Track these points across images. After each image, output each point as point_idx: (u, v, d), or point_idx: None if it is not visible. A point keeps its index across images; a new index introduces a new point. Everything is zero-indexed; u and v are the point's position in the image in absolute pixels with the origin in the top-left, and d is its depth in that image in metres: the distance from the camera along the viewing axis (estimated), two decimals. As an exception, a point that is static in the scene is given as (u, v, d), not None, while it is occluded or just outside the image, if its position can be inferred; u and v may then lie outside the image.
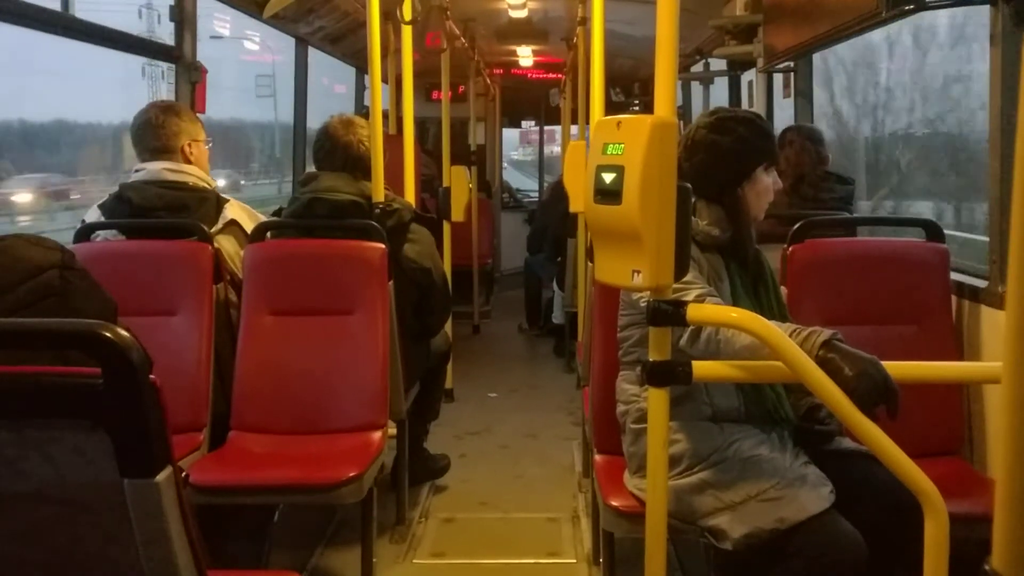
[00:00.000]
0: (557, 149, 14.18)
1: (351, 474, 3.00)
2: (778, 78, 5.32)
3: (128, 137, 3.55)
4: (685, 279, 2.17)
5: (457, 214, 6.11)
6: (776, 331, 1.99)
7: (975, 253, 4.18)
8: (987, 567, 1.24)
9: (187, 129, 3.50)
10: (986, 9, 2.87)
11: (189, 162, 3.48)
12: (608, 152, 2.05)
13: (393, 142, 4.51)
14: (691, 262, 2.27)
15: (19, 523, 1.44)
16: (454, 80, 7.23)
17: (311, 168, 3.87)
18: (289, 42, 6.06)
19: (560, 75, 9.53)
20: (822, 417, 2.62)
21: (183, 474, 1.48)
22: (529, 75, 10.72)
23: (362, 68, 7.48)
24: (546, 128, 12.01)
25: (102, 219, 3.43)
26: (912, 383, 2.15)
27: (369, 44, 3.89)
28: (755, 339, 2.04)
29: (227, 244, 3.53)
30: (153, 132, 3.44)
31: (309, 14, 5.64)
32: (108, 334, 1.31)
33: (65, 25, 3.39)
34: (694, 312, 2.02)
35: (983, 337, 3.07)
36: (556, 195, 7.56)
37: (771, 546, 2.33)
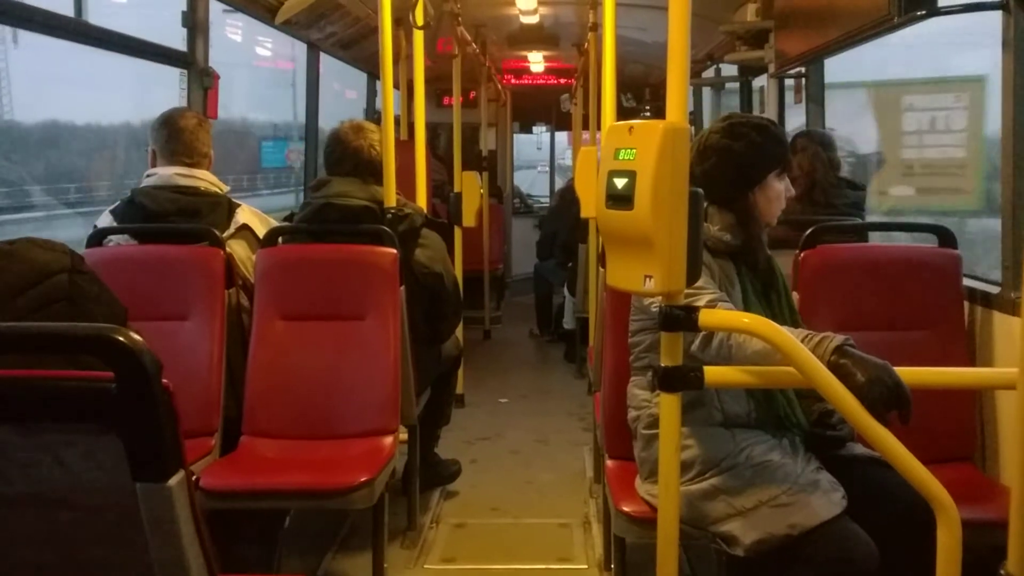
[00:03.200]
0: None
1: (362, 479, 3.00)
2: (789, 84, 5.32)
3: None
4: (697, 284, 2.16)
5: (468, 219, 6.12)
6: (788, 336, 1.98)
7: None
8: (1002, 572, 1.24)
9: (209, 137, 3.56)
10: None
11: (208, 168, 3.51)
12: (620, 157, 2.05)
13: (404, 147, 4.52)
14: (703, 267, 2.26)
15: (31, 527, 1.45)
16: (465, 86, 7.24)
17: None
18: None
19: (571, 80, 9.54)
20: (834, 422, 2.62)
21: (194, 478, 1.48)
22: (540, 81, 10.72)
23: (374, 73, 7.49)
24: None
25: (114, 224, 3.44)
26: (924, 389, 2.14)
27: (381, 49, 3.90)
28: (767, 344, 2.03)
29: (239, 249, 3.54)
30: (193, 139, 3.46)
31: (321, 20, 5.65)
32: (121, 338, 1.31)
33: (79, 32, 3.41)
34: (706, 317, 2.01)
35: (995, 343, 3.06)
36: (565, 201, 7.57)
37: (783, 552, 2.32)
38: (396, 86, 6.27)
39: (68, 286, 1.66)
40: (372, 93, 7.92)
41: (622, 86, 8.92)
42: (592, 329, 5.20)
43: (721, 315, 2.15)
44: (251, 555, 3.19)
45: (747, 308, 2.54)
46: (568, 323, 7.56)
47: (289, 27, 5.30)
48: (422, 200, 4.34)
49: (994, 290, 3.07)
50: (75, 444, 1.36)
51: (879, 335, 2.98)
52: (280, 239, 3.59)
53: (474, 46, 7.26)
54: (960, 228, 4.10)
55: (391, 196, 3.65)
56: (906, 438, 1.93)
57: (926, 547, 1.95)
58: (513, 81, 10.78)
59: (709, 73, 7.51)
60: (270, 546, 3.29)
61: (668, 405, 2.04)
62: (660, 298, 2.04)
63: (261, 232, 3.59)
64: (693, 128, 6.75)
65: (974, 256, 3.94)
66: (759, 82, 6.08)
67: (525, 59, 9.63)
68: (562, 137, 12.00)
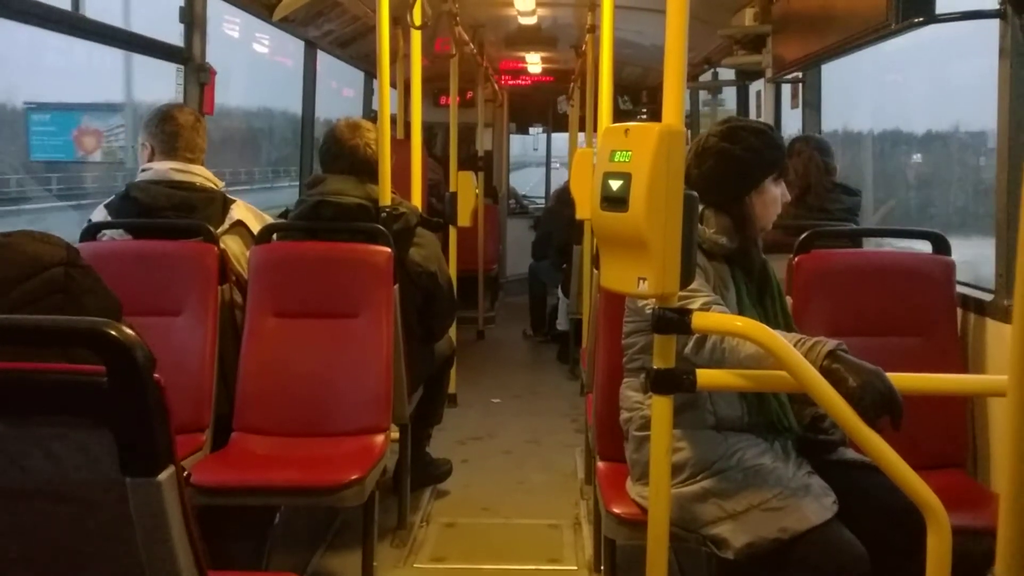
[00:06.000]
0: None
1: (353, 477, 3.00)
2: (786, 88, 5.33)
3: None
4: (691, 287, 2.17)
5: (463, 219, 6.12)
6: (781, 340, 1.98)
7: None
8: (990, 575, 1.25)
9: None
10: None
11: (203, 163, 3.51)
12: (615, 159, 2.05)
13: (400, 146, 4.52)
14: (697, 270, 2.27)
15: (20, 520, 1.44)
16: (462, 86, 7.24)
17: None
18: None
19: (568, 82, 9.55)
20: (825, 427, 2.62)
21: (184, 474, 1.48)
22: (537, 82, 10.73)
23: (371, 72, 7.49)
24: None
25: (108, 219, 3.44)
26: (916, 395, 2.15)
27: (378, 48, 3.90)
28: (760, 348, 2.04)
29: (233, 245, 3.53)
30: (193, 135, 3.47)
31: (319, 17, 5.64)
32: (113, 332, 1.31)
33: (74, 24, 3.40)
34: (699, 320, 2.01)
35: (988, 350, 3.06)
36: (561, 202, 7.59)
37: (773, 556, 2.32)
38: (393, 85, 6.28)
39: (64, 279, 1.66)
40: (369, 92, 7.92)
41: (619, 89, 8.95)
42: (585, 330, 5.21)
43: (714, 318, 2.16)
44: (241, 552, 3.19)
45: (741, 312, 2.54)
46: (562, 324, 7.56)
47: (287, 24, 5.30)
48: (417, 199, 4.34)
49: (987, 297, 3.07)
50: (66, 437, 1.36)
51: (872, 340, 2.98)
52: (274, 236, 3.59)
53: (472, 46, 7.27)
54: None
55: (386, 195, 3.65)
56: (897, 444, 1.93)
57: (916, 553, 1.95)
58: (510, 82, 10.78)
59: (706, 77, 7.52)
60: (260, 543, 3.29)
61: (660, 407, 2.04)
62: (654, 300, 2.04)
63: (255, 228, 3.58)
64: (689, 131, 6.76)
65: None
66: (756, 86, 6.08)
67: (522, 60, 9.63)
68: (560, 139, 11.99)
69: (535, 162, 17.99)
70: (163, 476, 1.37)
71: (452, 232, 6.02)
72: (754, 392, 2.52)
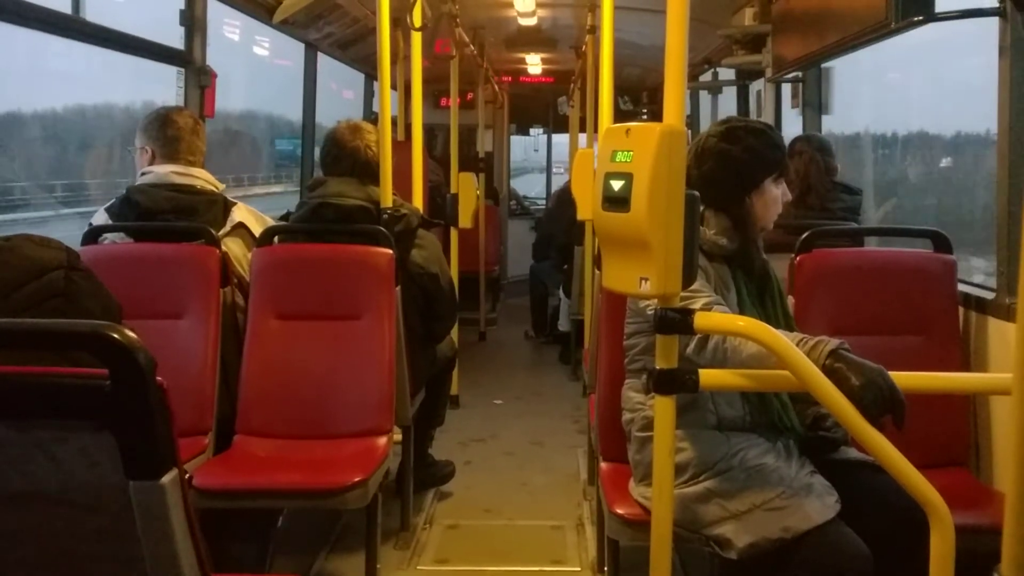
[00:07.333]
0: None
1: (356, 479, 3.00)
2: (786, 88, 5.33)
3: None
4: (692, 287, 2.16)
5: (464, 221, 6.12)
6: (783, 340, 1.98)
7: None
8: (995, 574, 1.25)
9: None
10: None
11: (203, 166, 3.51)
12: (617, 159, 2.04)
13: (401, 148, 4.52)
14: (698, 271, 2.26)
15: (23, 523, 1.44)
16: (462, 87, 7.24)
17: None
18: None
19: (568, 83, 9.55)
20: (828, 426, 2.62)
21: (187, 477, 1.48)
22: (537, 83, 10.73)
23: (371, 74, 7.49)
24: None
25: (109, 222, 3.44)
26: (919, 393, 2.15)
27: (379, 50, 3.90)
28: (762, 348, 2.03)
29: (235, 247, 3.53)
30: (193, 138, 3.47)
31: (319, 20, 5.65)
32: (115, 335, 1.30)
33: (76, 29, 3.41)
34: (701, 320, 2.01)
35: (990, 348, 3.06)
36: (562, 202, 7.58)
37: (776, 555, 2.32)
38: (394, 87, 6.28)
39: (64, 283, 1.66)
40: (369, 94, 7.92)
41: (619, 89, 8.95)
42: (587, 331, 5.21)
43: (717, 318, 2.16)
44: (244, 554, 3.19)
45: (742, 312, 2.54)
46: (563, 325, 7.56)
47: (287, 27, 5.30)
48: (418, 201, 4.34)
49: (989, 295, 3.07)
50: (68, 441, 1.36)
51: (874, 339, 2.98)
52: (276, 238, 3.59)
53: (472, 48, 7.27)
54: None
55: (388, 197, 3.65)
56: (900, 443, 1.93)
57: (919, 552, 1.95)
58: (510, 82, 10.78)
59: (706, 77, 7.53)
60: (263, 546, 3.29)
61: (663, 408, 2.04)
62: (656, 301, 2.04)
63: (257, 231, 3.58)
64: (689, 132, 6.75)
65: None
66: (756, 86, 6.09)
67: (523, 61, 9.64)
68: (561, 140, 11.98)
69: (537, 168, 18.04)
70: (166, 479, 1.37)
71: (453, 233, 6.02)
72: (756, 392, 2.52)
